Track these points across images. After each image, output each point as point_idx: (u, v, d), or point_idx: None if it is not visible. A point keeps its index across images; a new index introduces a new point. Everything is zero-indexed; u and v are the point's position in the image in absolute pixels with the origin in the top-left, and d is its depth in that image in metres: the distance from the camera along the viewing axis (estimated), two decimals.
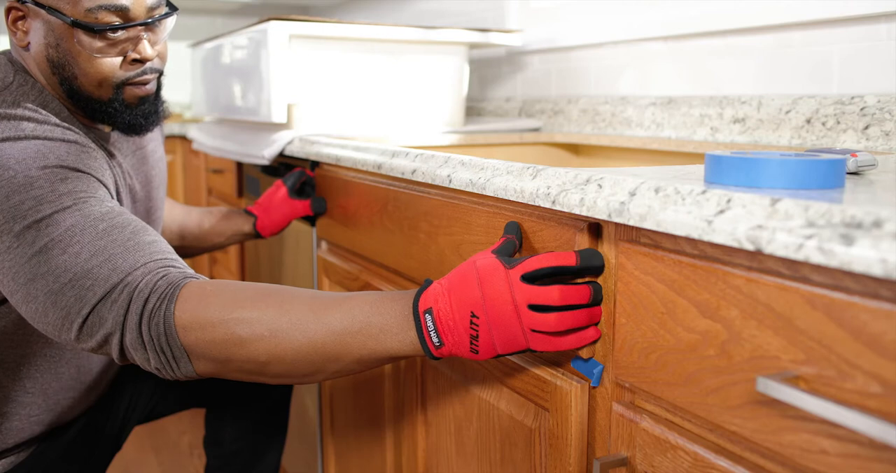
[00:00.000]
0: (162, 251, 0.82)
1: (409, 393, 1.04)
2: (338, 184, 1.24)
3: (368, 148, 1.11)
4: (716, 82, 1.36)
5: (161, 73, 1.01)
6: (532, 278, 0.66)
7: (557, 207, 0.68)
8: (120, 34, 0.92)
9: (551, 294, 0.65)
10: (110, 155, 1.01)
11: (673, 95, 1.44)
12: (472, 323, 0.67)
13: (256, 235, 1.33)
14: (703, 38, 1.38)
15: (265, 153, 1.44)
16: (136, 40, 0.94)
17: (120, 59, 0.94)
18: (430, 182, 0.91)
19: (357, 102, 1.56)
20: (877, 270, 0.42)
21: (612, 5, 1.60)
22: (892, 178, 0.67)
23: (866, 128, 1.09)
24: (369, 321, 0.72)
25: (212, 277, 2.36)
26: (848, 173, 0.69)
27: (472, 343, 0.68)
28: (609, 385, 0.69)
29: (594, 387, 0.71)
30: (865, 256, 0.43)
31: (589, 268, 0.67)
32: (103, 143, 1.00)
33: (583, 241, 0.69)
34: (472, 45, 1.72)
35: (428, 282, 0.73)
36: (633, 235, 0.65)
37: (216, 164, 2.22)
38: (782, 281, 0.50)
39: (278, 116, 1.47)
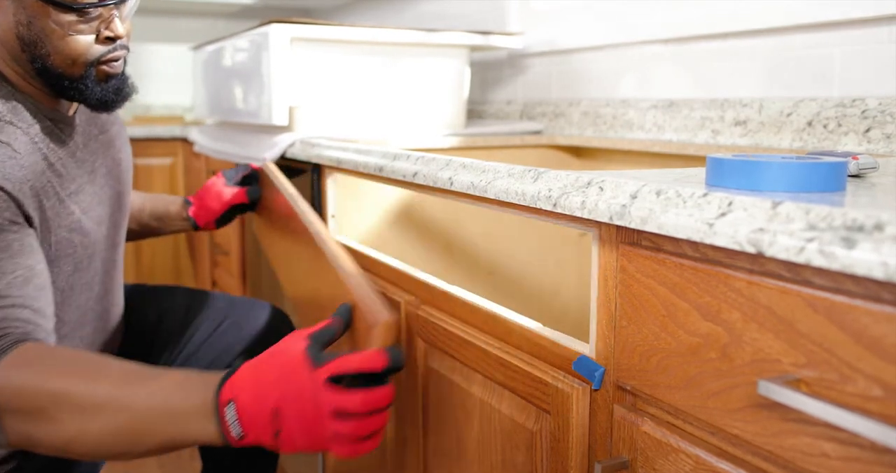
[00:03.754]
0: (18, 305, 0.82)
1: (410, 394, 1.04)
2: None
3: (370, 151, 1.11)
4: (717, 85, 1.36)
5: (127, 51, 1.03)
6: (339, 378, 0.67)
7: (559, 210, 0.68)
8: (95, 12, 0.94)
9: (354, 401, 0.65)
10: (63, 143, 1.00)
11: (674, 98, 1.44)
12: (274, 419, 0.67)
13: (194, 226, 1.31)
14: (704, 40, 1.38)
15: (266, 155, 1.44)
16: (109, 18, 0.96)
17: (93, 36, 0.95)
18: (431, 184, 0.91)
19: (358, 105, 1.56)
20: (878, 273, 0.42)
21: (613, 8, 1.60)
22: (893, 181, 0.67)
23: (867, 130, 1.09)
24: (172, 405, 0.71)
25: (213, 282, 2.36)
26: (849, 176, 0.69)
27: (275, 436, 0.68)
28: (610, 387, 0.69)
29: (595, 390, 0.71)
30: (867, 259, 0.43)
31: (393, 370, 0.67)
32: (58, 130, 1.00)
33: (383, 336, 0.69)
34: (473, 48, 1.72)
35: (237, 366, 0.72)
36: (635, 238, 0.65)
37: (217, 167, 2.22)
38: (784, 284, 0.50)
39: (279, 119, 1.47)
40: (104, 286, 1.12)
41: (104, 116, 1.13)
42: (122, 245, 1.17)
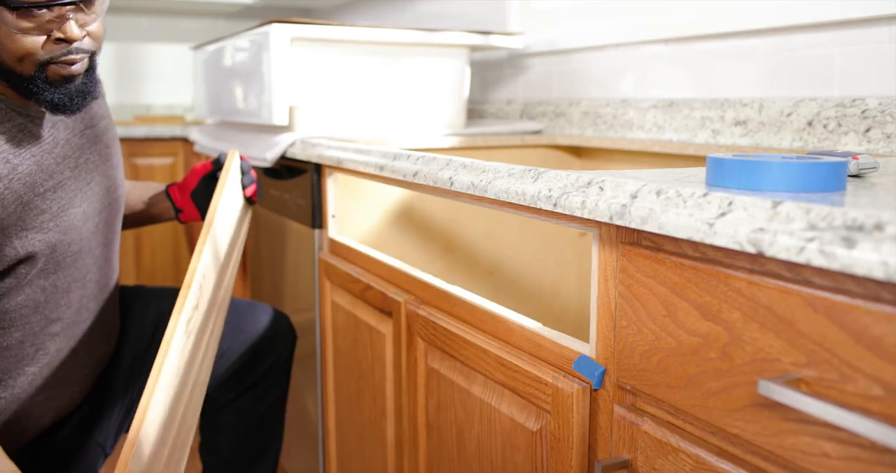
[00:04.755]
0: None
1: (410, 395, 1.04)
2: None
3: (370, 150, 1.11)
4: (717, 85, 1.36)
5: (93, 53, 0.97)
6: None
7: (559, 210, 0.68)
8: (44, 12, 0.89)
9: None
10: (37, 138, 0.98)
11: (674, 98, 1.44)
12: None
13: (175, 208, 1.30)
14: (704, 40, 1.38)
15: (267, 155, 1.44)
16: (63, 20, 0.90)
17: (43, 37, 0.91)
18: (431, 184, 0.91)
19: (358, 105, 1.57)
20: (878, 273, 0.42)
21: (613, 8, 1.60)
22: (893, 181, 0.67)
23: (867, 130, 1.09)
24: None
25: None
26: (849, 176, 0.69)
27: None
28: (610, 387, 0.69)
29: (595, 390, 0.71)
30: (867, 259, 0.43)
31: None
32: (34, 125, 0.97)
33: None
34: (474, 48, 1.72)
35: None
36: (635, 238, 0.65)
37: None
38: (784, 283, 0.50)
39: (280, 119, 1.47)
40: (98, 284, 1.11)
41: (93, 110, 1.10)
42: (117, 242, 1.16)
